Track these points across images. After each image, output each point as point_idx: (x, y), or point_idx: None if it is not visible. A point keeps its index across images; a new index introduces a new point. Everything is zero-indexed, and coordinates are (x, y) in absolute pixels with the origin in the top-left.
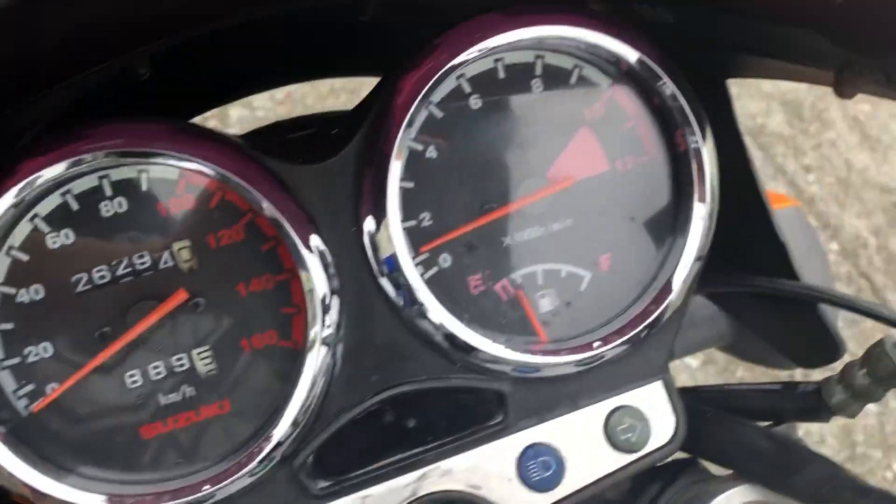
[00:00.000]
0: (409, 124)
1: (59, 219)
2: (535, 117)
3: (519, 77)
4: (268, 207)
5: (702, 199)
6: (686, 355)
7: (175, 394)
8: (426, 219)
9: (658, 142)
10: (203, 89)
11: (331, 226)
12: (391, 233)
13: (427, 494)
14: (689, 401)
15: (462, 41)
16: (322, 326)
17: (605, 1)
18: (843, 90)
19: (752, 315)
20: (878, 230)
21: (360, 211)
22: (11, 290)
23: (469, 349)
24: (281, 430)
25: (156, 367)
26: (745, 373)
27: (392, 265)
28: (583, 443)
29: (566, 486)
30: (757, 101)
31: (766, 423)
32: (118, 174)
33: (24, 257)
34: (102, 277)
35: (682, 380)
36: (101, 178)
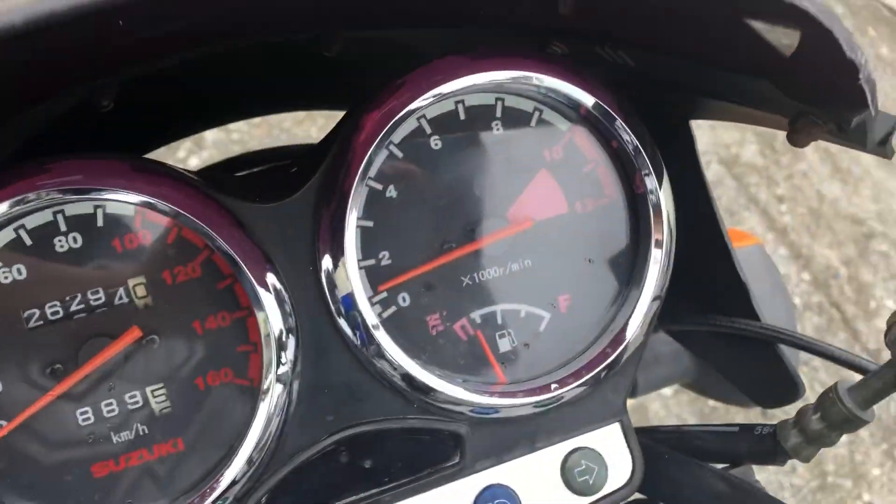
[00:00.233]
0: (369, 163)
1: (11, 254)
2: (495, 159)
3: (479, 119)
4: (224, 246)
5: (659, 241)
6: (650, 392)
7: (128, 432)
8: (385, 258)
9: (617, 184)
10: (168, 120)
11: (288, 264)
12: (348, 271)
13: None
14: (647, 442)
15: (424, 83)
16: (278, 365)
17: (567, 43)
18: (797, 138)
19: (713, 353)
20: (848, 261)
21: (317, 249)
22: None
23: (427, 390)
24: (235, 469)
25: (108, 405)
26: (717, 403)
27: (349, 304)
28: (540, 484)
29: None
30: (731, 131)
31: (722, 465)
32: (73, 209)
33: None
34: (55, 313)
35: (655, 408)
36: (55, 213)
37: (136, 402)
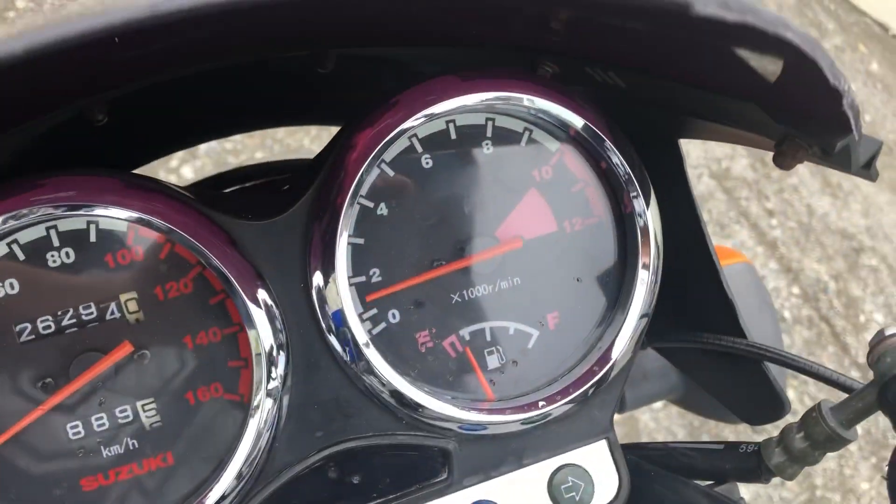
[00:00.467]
0: (361, 181)
1: (4, 269)
2: (486, 177)
3: (470, 138)
4: (216, 263)
5: (646, 260)
6: (638, 408)
7: (118, 446)
8: (375, 275)
9: (605, 204)
10: (160, 135)
11: (280, 280)
12: (339, 288)
13: None
14: (633, 458)
15: (416, 103)
16: (268, 380)
17: (558, 63)
18: (783, 161)
19: (700, 370)
20: (838, 275)
21: (309, 266)
22: None
23: (415, 406)
24: (224, 483)
25: (99, 419)
26: None
27: (339, 320)
28: (527, 501)
29: None
30: (723, 145)
31: (707, 482)
32: (66, 224)
33: None
34: (47, 328)
35: (645, 420)
36: (48, 228)
37: (127, 417)
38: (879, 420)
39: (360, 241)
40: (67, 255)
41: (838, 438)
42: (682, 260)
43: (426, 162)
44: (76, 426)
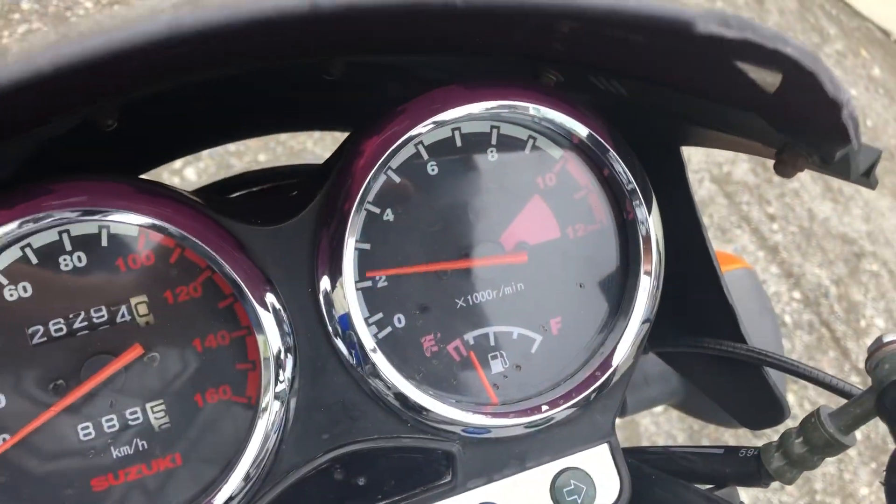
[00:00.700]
0: (368, 188)
1: (17, 272)
2: (490, 184)
3: (475, 146)
4: (226, 267)
5: (648, 267)
6: (639, 412)
7: (127, 446)
8: (381, 280)
9: (607, 210)
10: (169, 139)
11: (287, 285)
12: (346, 292)
13: None
14: (634, 462)
15: (423, 111)
16: (276, 383)
17: (561, 72)
18: (784, 169)
19: (700, 375)
20: (839, 280)
21: (316, 271)
22: None
23: (420, 409)
24: (232, 485)
25: (109, 420)
26: None
27: (346, 324)
28: (529, 503)
29: None
30: None
31: (708, 486)
32: (78, 229)
33: None
34: (59, 330)
35: (645, 423)
36: (60, 232)
37: (136, 418)
38: (879, 425)
39: (367, 246)
40: (79, 259)
41: (837, 444)
42: (683, 265)
43: (432, 169)
44: (87, 427)
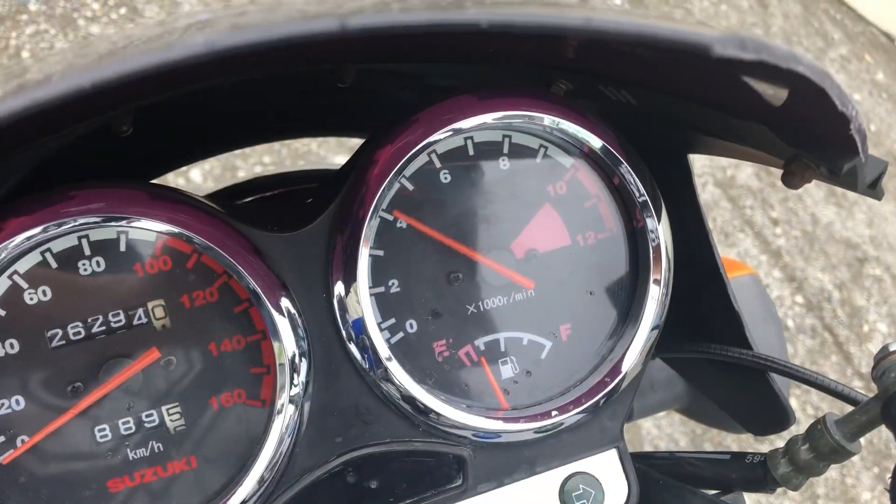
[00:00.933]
0: (382, 196)
1: (37, 276)
2: (502, 192)
3: (487, 154)
4: (243, 273)
5: (657, 276)
6: (644, 417)
7: (143, 449)
8: (394, 286)
9: (617, 218)
10: (182, 145)
11: (302, 290)
12: (360, 298)
13: None
14: (642, 467)
15: (436, 121)
16: (291, 386)
17: (572, 81)
18: (792, 180)
19: (706, 380)
20: (841, 284)
21: (330, 276)
22: None
23: (431, 414)
24: (247, 487)
25: (125, 423)
26: None
27: (359, 329)
28: None
29: None
30: None
31: (714, 492)
32: (97, 234)
33: (2, 312)
34: (77, 334)
35: (648, 427)
36: (80, 237)
37: (153, 421)
38: (882, 430)
39: (380, 252)
40: (98, 263)
41: (843, 451)
42: (689, 272)
43: (445, 177)
44: (104, 429)
